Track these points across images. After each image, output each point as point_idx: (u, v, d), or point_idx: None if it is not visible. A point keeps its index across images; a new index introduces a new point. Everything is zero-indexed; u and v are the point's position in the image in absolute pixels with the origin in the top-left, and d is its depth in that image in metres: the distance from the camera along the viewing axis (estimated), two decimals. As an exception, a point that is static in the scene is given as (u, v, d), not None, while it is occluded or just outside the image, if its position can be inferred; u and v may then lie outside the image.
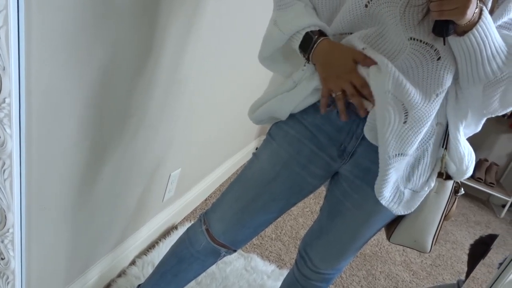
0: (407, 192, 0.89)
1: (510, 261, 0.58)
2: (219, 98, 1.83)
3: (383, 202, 0.87)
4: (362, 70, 0.80)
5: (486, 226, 3.04)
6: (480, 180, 3.46)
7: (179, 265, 1.05)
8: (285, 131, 0.92)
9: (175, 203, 1.80)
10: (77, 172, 1.01)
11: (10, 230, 0.69)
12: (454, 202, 0.95)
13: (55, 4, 0.70)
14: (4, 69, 0.56)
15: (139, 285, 1.16)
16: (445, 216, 0.94)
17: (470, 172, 0.90)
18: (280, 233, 2.04)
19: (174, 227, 1.81)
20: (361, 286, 1.82)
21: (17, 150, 0.63)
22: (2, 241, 0.70)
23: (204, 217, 1.00)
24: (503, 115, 3.31)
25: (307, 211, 2.35)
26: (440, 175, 0.90)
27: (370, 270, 1.96)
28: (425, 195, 0.90)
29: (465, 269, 2.27)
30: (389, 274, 1.98)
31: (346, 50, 0.81)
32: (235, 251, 1.01)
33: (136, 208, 1.44)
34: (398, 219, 0.96)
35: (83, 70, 0.88)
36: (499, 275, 0.50)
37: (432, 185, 0.90)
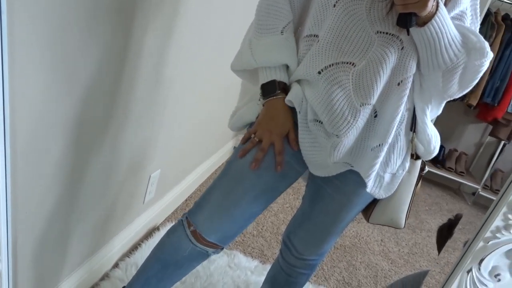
0: (387, 176, 0.95)
1: (454, 268, 0.63)
2: (196, 99, 1.84)
3: (368, 189, 0.93)
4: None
5: (458, 213, 3.16)
6: (451, 170, 3.59)
7: (164, 271, 1.02)
8: None
9: (156, 204, 1.80)
10: (59, 174, 1.01)
11: (-5, 235, 0.69)
12: (420, 180, 1.03)
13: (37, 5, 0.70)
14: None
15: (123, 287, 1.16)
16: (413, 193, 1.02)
17: (436, 151, 0.98)
18: (262, 229, 2.07)
19: (156, 228, 1.81)
20: (343, 277, 1.87)
21: (1, 144, 0.63)
22: (-13, 247, 0.69)
23: (188, 218, 0.97)
24: (470, 106, 3.45)
25: (287, 207, 2.38)
26: (410, 156, 0.96)
27: (350, 261, 2.02)
28: (402, 176, 0.97)
29: (441, 255, 2.36)
30: (369, 263, 2.04)
31: (288, 121, 0.91)
32: (222, 249, 0.99)
33: (117, 211, 1.44)
34: (375, 201, 1.02)
35: (68, 72, 0.88)
36: (464, 254, 0.54)
37: (407, 166, 0.97)
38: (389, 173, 0.96)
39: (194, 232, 0.95)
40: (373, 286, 1.86)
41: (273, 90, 0.90)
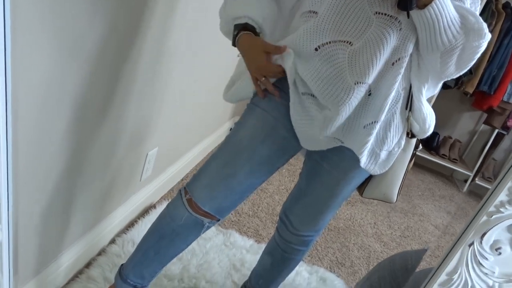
0: (383, 154, 0.97)
1: (456, 242, 0.64)
2: (195, 78, 1.82)
3: (362, 165, 0.94)
4: (277, 57, 0.92)
5: (450, 199, 3.21)
6: (445, 157, 3.62)
7: (161, 242, 1.04)
8: (269, 97, 0.95)
9: (152, 182, 1.80)
10: (60, 149, 1.01)
11: (-4, 203, 0.68)
12: (414, 157, 1.05)
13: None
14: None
15: (122, 265, 1.16)
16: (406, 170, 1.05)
17: (431, 130, 1.00)
18: (257, 210, 2.09)
19: (152, 206, 1.81)
20: (336, 257, 1.90)
21: (2, 116, 0.62)
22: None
23: (186, 188, 0.99)
24: (466, 94, 3.47)
25: (282, 188, 2.40)
26: (406, 134, 0.98)
27: (344, 242, 2.05)
28: (397, 154, 0.98)
29: (432, 238, 2.40)
30: (362, 245, 2.08)
31: (258, 45, 0.91)
32: (218, 220, 1.00)
33: (115, 187, 1.44)
34: (369, 177, 1.05)
35: (71, 48, 0.87)
36: (467, 227, 0.56)
37: (403, 144, 0.98)
38: (385, 150, 0.97)
39: (190, 200, 0.97)
40: (366, 267, 1.89)
41: (234, 34, 0.93)
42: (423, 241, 2.34)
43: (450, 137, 3.74)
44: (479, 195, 3.52)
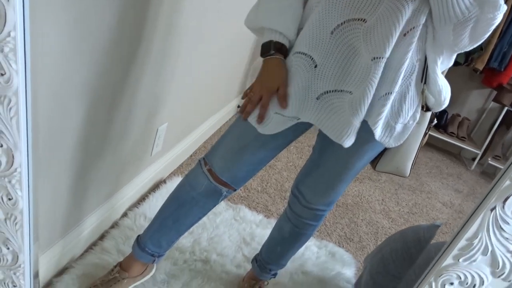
0: (398, 127, 0.96)
1: (478, 206, 0.65)
2: (205, 54, 1.81)
3: (376, 137, 0.93)
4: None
5: (458, 177, 3.20)
6: (453, 135, 3.60)
7: (180, 210, 1.07)
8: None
9: (162, 158, 1.81)
10: (78, 122, 1.01)
11: (18, 170, 0.69)
12: (428, 131, 1.05)
13: None
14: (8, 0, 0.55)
15: (138, 236, 1.17)
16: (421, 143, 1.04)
17: (447, 103, 0.99)
18: (266, 186, 2.10)
19: (162, 181, 1.83)
20: (344, 232, 1.92)
21: (23, 87, 0.62)
22: (10, 181, 0.70)
23: (205, 159, 1.03)
24: (475, 71, 3.42)
25: (290, 165, 2.41)
26: (421, 107, 0.97)
27: (352, 218, 2.06)
28: (412, 127, 0.97)
29: (440, 216, 2.41)
30: (370, 221, 2.09)
31: (278, 78, 0.91)
32: (235, 190, 1.04)
33: (126, 162, 1.45)
34: (383, 150, 1.04)
35: (87, 27, 0.87)
36: (489, 192, 0.56)
37: (418, 117, 0.97)
38: (401, 123, 0.96)
39: (210, 170, 1.01)
40: (374, 242, 1.91)
41: (268, 49, 0.92)
42: (431, 218, 2.35)
43: (459, 115, 3.71)
44: (487, 174, 3.52)
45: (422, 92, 0.96)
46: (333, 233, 1.89)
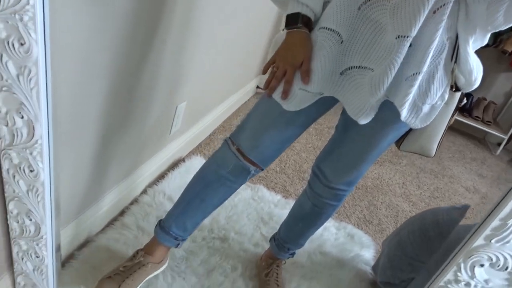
0: (425, 108, 0.92)
1: (507, 193, 0.62)
2: (225, 34, 1.78)
3: (402, 118, 0.90)
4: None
5: (482, 162, 3.12)
6: (478, 119, 3.49)
7: (206, 190, 1.06)
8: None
9: (181, 137, 1.81)
10: (99, 99, 1.01)
11: (39, 142, 0.69)
12: (456, 111, 1.01)
13: None
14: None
15: (160, 220, 1.16)
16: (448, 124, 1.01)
17: (478, 83, 0.94)
18: (284, 166, 2.08)
19: (181, 160, 1.83)
20: (364, 214, 1.90)
21: (42, 57, 0.61)
22: (31, 153, 0.70)
23: (231, 139, 1.02)
24: (504, 53, 3.29)
25: (309, 146, 2.38)
26: (450, 87, 0.93)
27: (371, 200, 2.03)
28: (440, 107, 0.94)
29: (462, 200, 2.36)
30: (390, 204, 2.06)
31: (303, 52, 0.88)
32: (262, 169, 1.03)
33: (146, 140, 1.45)
34: (408, 129, 1.00)
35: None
36: (496, 206, 0.54)
37: (446, 97, 0.93)
38: (428, 104, 0.92)
39: (238, 149, 1.00)
40: (394, 225, 1.88)
41: (295, 22, 0.89)
42: (453, 202, 2.30)
43: (485, 99, 3.59)
44: (512, 159, 3.41)
45: (452, 71, 0.92)
46: (352, 215, 1.86)
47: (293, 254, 1.32)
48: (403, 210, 2.05)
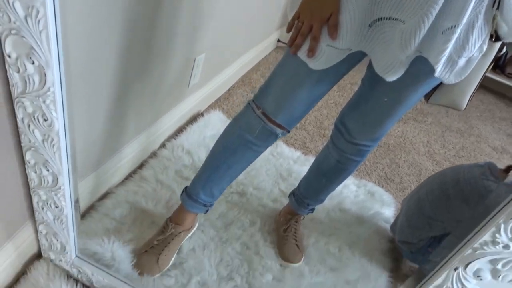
0: (461, 61, 0.84)
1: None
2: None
3: (436, 74, 0.83)
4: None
5: None
6: (510, 76, 3.32)
7: (233, 157, 1.03)
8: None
9: (200, 90, 1.77)
10: (116, 52, 0.97)
11: (51, 89, 0.66)
12: (493, 63, 0.93)
13: None
14: None
15: (186, 187, 1.14)
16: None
17: None
18: (305, 123, 2.04)
19: (200, 114, 1.81)
20: (385, 173, 1.86)
21: (53, 28, 0.57)
22: (44, 101, 0.68)
23: (255, 102, 0.96)
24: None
25: (331, 103, 2.31)
26: (489, 37, 0.85)
27: (393, 159, 1.98)
28: (477, 60, 0.86)
29: (488, 160, 2.28)
30: (413, 163, 2.01)
31: (331, 4, 0.79)
32: (288, 132, 0.99)
33: (164, 93, 1.42)
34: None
35: None
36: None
37: (485, 48, 0.84)
38: (465, 57, 0.84)
39: (264, 113, 0.95)
40: (416, 184, 1.84)
41: None
42: (479, 162, 2.23)
43: (519, 55, 3.39)
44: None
45: (493, 19, 0.83)
46: (373, 173, 1.83)
47: (312, 209, 1.31)
48: (426, 169, 2.00)
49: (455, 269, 0.57)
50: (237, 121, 1.02)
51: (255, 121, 0.96)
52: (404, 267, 1.39)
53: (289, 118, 0.95)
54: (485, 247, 0.52)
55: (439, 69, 0.83)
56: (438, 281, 0.58)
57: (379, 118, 0.99)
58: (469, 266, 0.55)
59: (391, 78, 0.84)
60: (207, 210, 1.14)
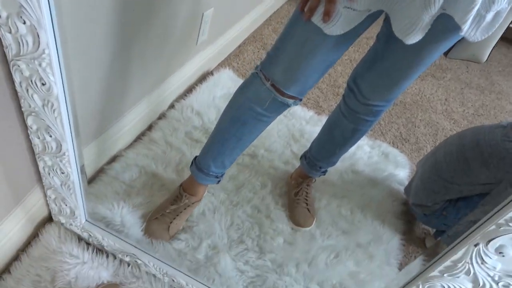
0: (489, 16, 0.76)
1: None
2: None
3: (462, 33, 0.75)
4: None
5: (535, 77, 2.86)
6: (537, 28, 3.13)
7: (243, 129, 0.97)
8: None
9: (208, 48, 1.70)
10: (119, 8, 0.91)
11: (46, 51, 0.62)
12: None
13: None
14: None
15: (196, 158, 1.10)
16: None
17: None
18: (318, 81, 1.96)
19: (209, 73, 1.75)
20: (400, 132, 1.80)
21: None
22: (40, 64, 0.63)
23: (264, 72, 0.88)
24: None
25: (346, 59, 2.22)
26: None
27: (410, 118, 1.92)
28: (505, 13, 0.77)
29: (509, 119, 2.20)
30: (429, 122, 1.94)
31: None
32: (300, 100, 0.91)
33: (172, 51, 1.36)
34: None
35: None
36: None
37: None
38: (493, 11, 0.76)
39: (273, 85, 0.87)
40: (432, 144, 1.79)
41: None
42: (499, 120, 2.15)
43: (548, 5, 3.18)
44: None
45: None
46: (388, 133, 1.77)
47: (324, 172, 1.28)
48: (444, 128, 1.93)
49: (476, 245, 0.53)
50: (245, 92, 0.94)
51: (265, 93, 0.89)
52: (417, 230, 1.37)
53: (301, 88, 0.88)
54: (510, 224, 0.48)
55: (466, 28, 0.75)
56: (458, 255, 0.56)
57: (395, 78, 0.93)
58: (491, 242, 0.52)
59: (411, 41, 0.76)
60: (219, 181, 1.12)
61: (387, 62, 0.92)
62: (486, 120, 2.11)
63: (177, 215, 1.10)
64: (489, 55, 0.90)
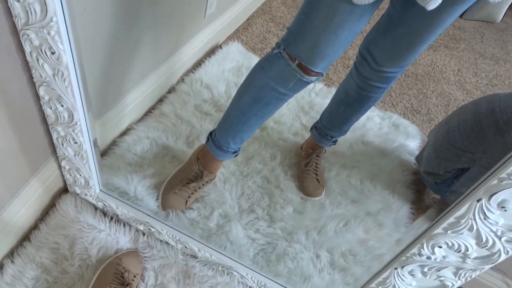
0: None
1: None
2: None
3: None
4: None
5: (552, 46, 2.77)
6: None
7: (265, 108, 0.96)
8: None
9: (217, 20, 1.69)
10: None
11: (54, 19, 0.62)
12: None
13: None
14: None
15: (213, 136, 1.09)
16: None
17: None
18: (328, 53, 1.94)
19: (218, 46, 1.74)
20: (411, 104, 1.78)
21: None
22: (49, 33, 0.64)
23: (287, 51, 0.84)
24: None
25: (356, 31, 2.18)
26: None
27: (421, 89, 1.89)
28: None
29: (523, 88, 2.15)
30: (441, 93, 1.91)
31: None
32: (323, 75, 0.88)
33: (179, 24, 1.35)
34: None
35: None
36: None
37: None
38: None
39: (300, 65, 0.83)
40: (444, 115, 1.77)
41: None
42: (513, 90, 2.11)
43: None
44: None
45: None
46: (399, 104, 1.76)
47: (335, 141, 1.28)
48: (456, 99, 1.90)
49: (478, 200, 0.54)
50: (266, 71, 0.91)
51: (290, 74, 0.85)
52: (427, 199, 1.38)
53: (327, 64, 0.84)
54: (514, 177, 0.49)
55: None
56: (461, 211, 0.56)
57: (410, 44, 0.91)
58: (493, 197, 0.52)
59: (432, 6, 0.73)
60: (237, 155, 1.12)
61: (404, 27, 0.90)
62: (500, 90, 2.07)
63: (195, 191, 1.13)
64: (504, 15, 0.88)
